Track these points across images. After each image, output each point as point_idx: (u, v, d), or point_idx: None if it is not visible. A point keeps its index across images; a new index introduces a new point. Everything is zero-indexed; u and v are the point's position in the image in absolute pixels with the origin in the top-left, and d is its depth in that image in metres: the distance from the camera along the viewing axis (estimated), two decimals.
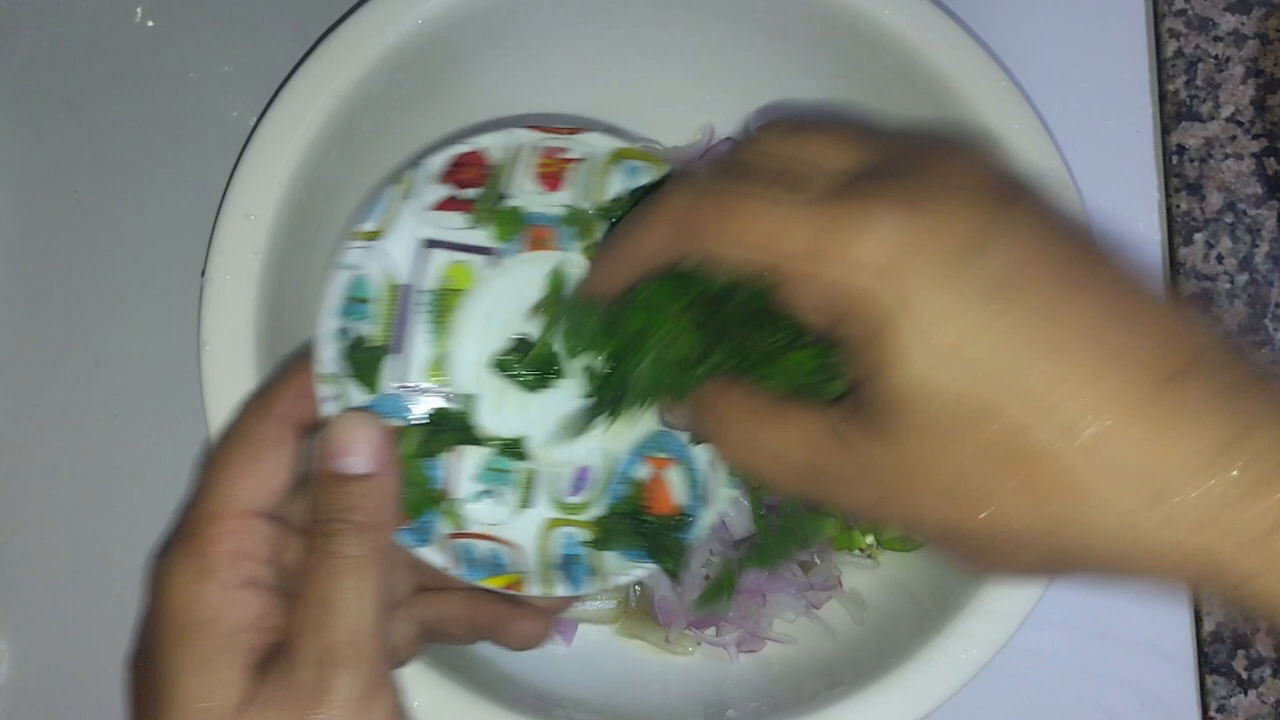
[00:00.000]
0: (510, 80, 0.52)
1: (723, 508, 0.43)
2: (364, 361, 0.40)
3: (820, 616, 0.51)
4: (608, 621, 0.51)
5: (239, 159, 0.46)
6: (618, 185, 0.43)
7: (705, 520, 0.42)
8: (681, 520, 0.42)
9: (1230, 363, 0.30)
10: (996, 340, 0.30)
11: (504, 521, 0.41)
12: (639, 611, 0.51)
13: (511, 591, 0.40)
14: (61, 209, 0.56)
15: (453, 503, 0.41)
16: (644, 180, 0.43)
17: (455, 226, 0.42)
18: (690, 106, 0.55)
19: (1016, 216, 0.31)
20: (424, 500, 0.40)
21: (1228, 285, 0.57)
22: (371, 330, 0.40)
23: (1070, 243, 0.31)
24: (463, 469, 0.41)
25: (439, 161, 0.42)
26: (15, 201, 0.57)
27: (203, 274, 0.45)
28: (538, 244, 0.42)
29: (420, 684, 0.43)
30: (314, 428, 0.38)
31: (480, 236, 0.42)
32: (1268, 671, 0.54)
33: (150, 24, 0.58)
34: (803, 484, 0.34)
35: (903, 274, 0.30)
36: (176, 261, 0.55)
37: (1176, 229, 0.57)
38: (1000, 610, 0.44)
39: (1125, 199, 0.57)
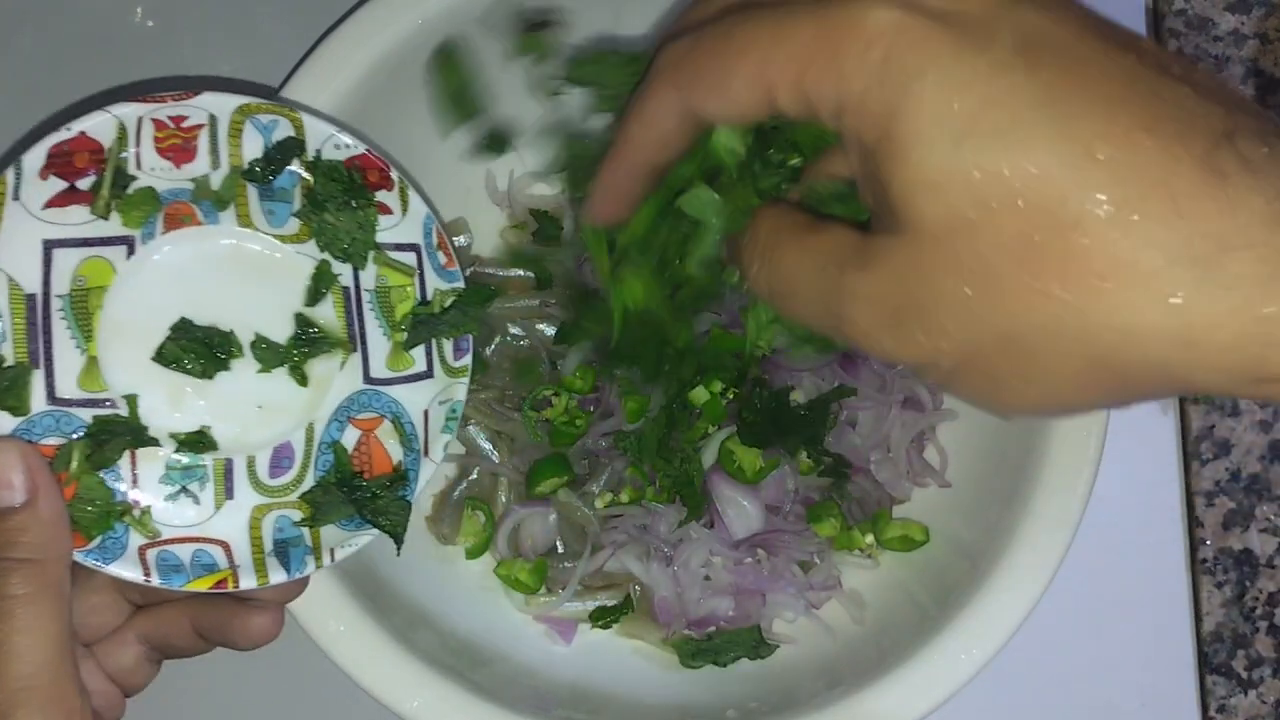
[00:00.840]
0: (511, 80, 0.52)
1: (441, 455, 0.41)
2: (3, 383, 0.37)
3: (820, 616, 0.51)
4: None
5: None
6: (254, 144, 0.41)
7: (425, 473, 0.41)
8: (400, 478, 0.41)
9: (1274, 127, 0.26)
10: (1013, 115, 0.26)
11: (204, 520, 0.39)
12: (639, 611, 0.51)
13: (222, 590, 0.38)
14: None
15: (142, 511, 0.39)
16: (281, 135, 0.41)
17: (79, 221, 0.39)
18: None
19: None
20: (108, 515, 0.38)
21: None
22: (4, 349, 0.38)
23: (1087, 16, 0.28)
24: (147, 474, 0.39)
25: (37, 155, 0.38)
26: None
27: None
28: (176, 222, 0.40)
29: (420, 684, 0.43)
30: None
31: (110, 227, 0.39)
32: (1268, 671, 0.54)
33: (150, 24, 0.58)
34: (820, 304, 0.31)
35: (904, 59, 0.27)
36: None
37: None
38: (1000, 610, 0.44)
39: None
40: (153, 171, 0.40)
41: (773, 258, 0.32)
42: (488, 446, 0.51)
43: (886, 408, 0.51)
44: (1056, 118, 0.26)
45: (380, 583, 0.48)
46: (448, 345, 0.43)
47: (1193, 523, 0.55)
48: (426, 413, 0.42)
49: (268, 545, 0.40)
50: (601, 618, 0.51)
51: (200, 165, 0.40)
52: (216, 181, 0.40)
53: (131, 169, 0.39)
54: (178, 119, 0.40)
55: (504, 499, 0.51)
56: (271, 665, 0.51)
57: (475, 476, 0.52)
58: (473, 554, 0.51)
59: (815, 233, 0.31)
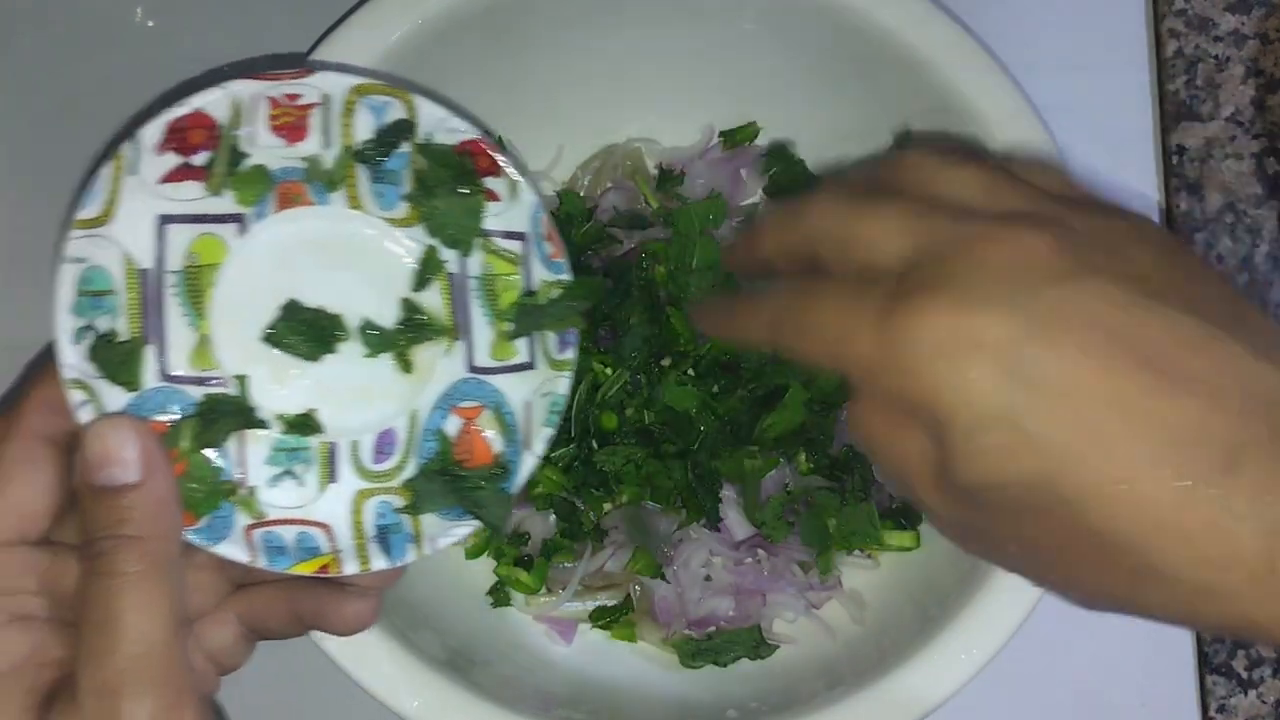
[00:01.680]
0: (509, 81, 0.52)
1: (542, 449, 0.41)
2: (116, 359, 0.37)
3: (820, 616, 0.51)
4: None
5: None
6: (366, 125, 0.40)
7: (526, 466, 0.41)
8: (501, 470, 0.40)
9: None
10: (1050, 433, 0.29)
11: (308, 502, 0.39)
12: (639, 611, 0.51)
13: (325, 575, 0.38)
14: (62, 209, 0.56)
15: (249, 491, 0.38)
16: (394, 117, 0.40)
17: (192, 197, 0.38)
18: (690, 107, 0.55)
19: (1063, 308, 0.29)
20: (215, 494, 0.38)
21: None
22: (118, 324, 0.37)
23: (1117, 335, 0.29)
24: (253, 454, 0.39)
25: (154, 130, 0.38)
26: (15, 201, 0.57)
27: None
28: (288, 201, 0.40)
29: (420, 684, 0.43)
30: (76, 439, 0.36)
31: (223, 204, 0.39)
32: (1268, 671, 0.54)
33: (150, 24, 0.58)
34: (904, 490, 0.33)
35: (951, 379, 0.29)
36: None
37: (1176, 229, 0.57)
38: (1000, 610, 0.44)
39: (1125, 199, 0.57)
40: (266, 149, 0.39)
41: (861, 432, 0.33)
42: None
43: None
44: (1082, 442, 0.29)
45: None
46: (551, 337, 0.42)
47: None
48: (529, 404, 0.41)
49: (369, 531, 0.39)
50: (601, 618, 0.51)
51: (312, 144, 0.40)
52: (328, 161, 0.40)
53: (244, 146, 0.39)
54: (292, 96, 0.40)
55: None
56: (271, 665, 0.51)
57: None
58: (472, 554, 0.51)
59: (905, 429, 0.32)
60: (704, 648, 0.50)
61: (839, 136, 0.54)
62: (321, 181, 0.40)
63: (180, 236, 0.38)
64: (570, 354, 0.42)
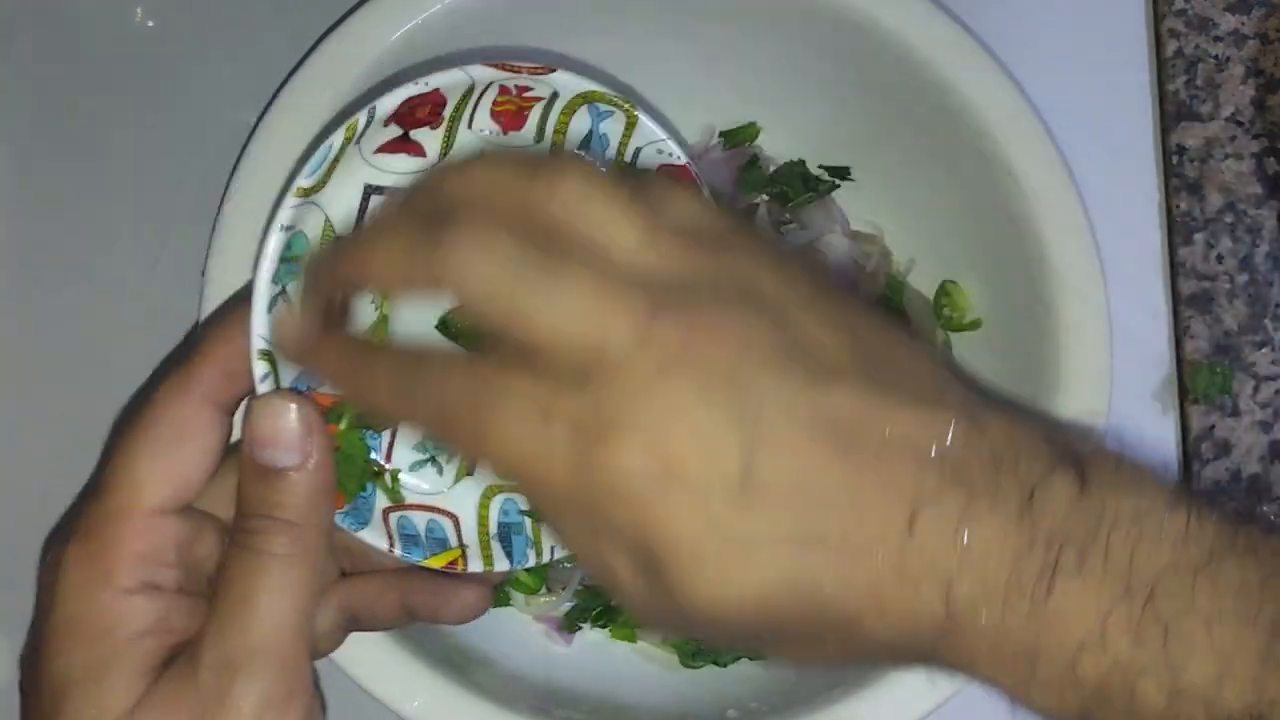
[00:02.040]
0: None
1: None
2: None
3: None
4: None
5: (239, 159, 0.46)
6: (582, 126, 0.40)
7: None
8: None
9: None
10: (765, 545, 0.29)
11: (443, 490, 0.39)
12: None
13: (451, 570, 0.38)
14: (62, 209, 0.56)
15: (392, 475, 0.38)
16: (612, 126, 0.40)
17: (403, 171, 0.38)
18: (690, 107, 0.55)
19: (762, 413, 0.28)
20: (362, 475, 0.37)
21: (1228, 285, 0.57)
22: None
23: (815, 428, 0.29)
24: (403, 436, 0.38)
25: (390, 103, 0.37)
26: (15, 201, 0.56)
27: (203, 274, 0.45)
28: None
29: (420, 684, 0.43)
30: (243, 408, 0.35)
31: None
32: None
33: (150, 24, 0.58)
34: None
35: (658, 515, 0.29)
36: (176, 261, 0.55)
37: (1176, 229, 0.57)
38: None
39: (1125, 199, 0.57)
40: (480, 132, 0.39)
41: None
42: None
43: None
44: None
45: None
46: None
47: None
48: None
49: (492, 528, 0.39)
50: (602, 618, 0.51)
51: (526, 135, 0.39)
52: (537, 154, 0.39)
53: (462, 128, 0.38)
54: (523, 89, 0.39)
55: None
56: None
57: None
58: None
59: None
60: (704, 648, 0.50)
61: (839, 137, 0.54)
62: None
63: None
64: None
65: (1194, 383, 0.55)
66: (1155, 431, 0.55)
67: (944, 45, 0.48)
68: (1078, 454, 0.30)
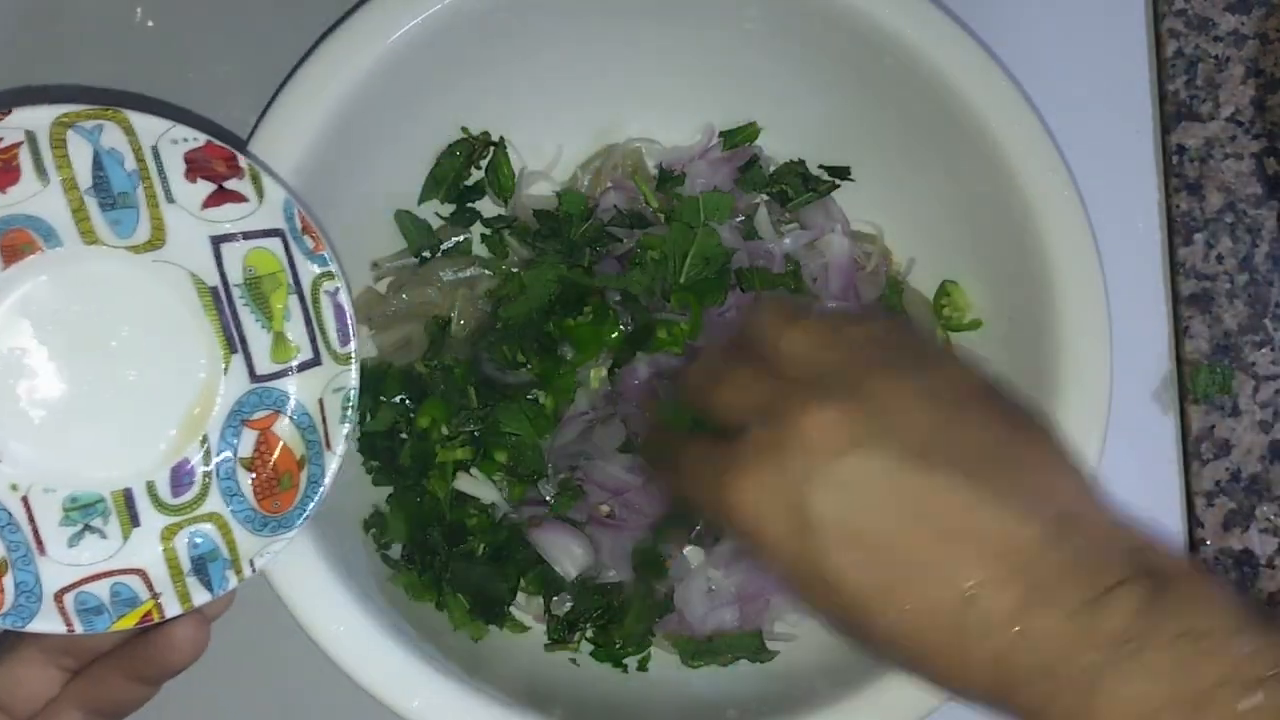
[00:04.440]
0: (509, 81, 0.52)
1: (342, 447, 0.41)
2: None
3: None
4: None
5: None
6: (82, 154, 0.38)
7: (330, 466, 0.41)
8: (307, 471, 0.41)
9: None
10: (839, 569, 0.35)
11: (115, 552, 0.38)
12: None
13: (148, 624, 0.38)
14: None
15: (48, 556, 0.38)
16: (109, 139, 0.39)
17: None
18: (690, 107, 0.55)
19: (847, 477, 0.35)
20: (12, 568, 0.37)
21: (1228, 285, 0.57)
22: None
23: (890, 497, 0.35)
24: (43, 517, 0.38)
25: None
26: None
27: None
28: (15, 254, 0.38)
29: (420, 684, 0.43)
30: None
31: None
32: None
33: (150, 24, 0.58)
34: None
35: (763, 529, 0.36)
36: None
37: (1176, 229, 0.57)
38: None
39: (1125, 199, 0.57)
40: None
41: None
42: None
43: None
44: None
45: (381, 583, 0.48)
46: (333, 330, 0.42)
47: (1193, 523, 0.55)
48: (321, 402, 0.41)
49: (185, 565, 0.39)
50: (602, 618, 0.50)
51: (28, 186, 0.38)
52: (50, 200, 0.38)
53: None
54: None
55: None
56: (272, 665, 0.51)
57: None
58: None
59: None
60: (705, 648, 0.50)
61: (839, 137, 0.54)
62: (47, 222, 0.38)
63: None
64: (353, 346, 0.42)
65: (1194, 383, 0.55)
66: (1155, 431, 0.55)
67: (944, 45, 0.48)
68: (1158, 566, 0.33)
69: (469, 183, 0.54)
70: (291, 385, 0.41)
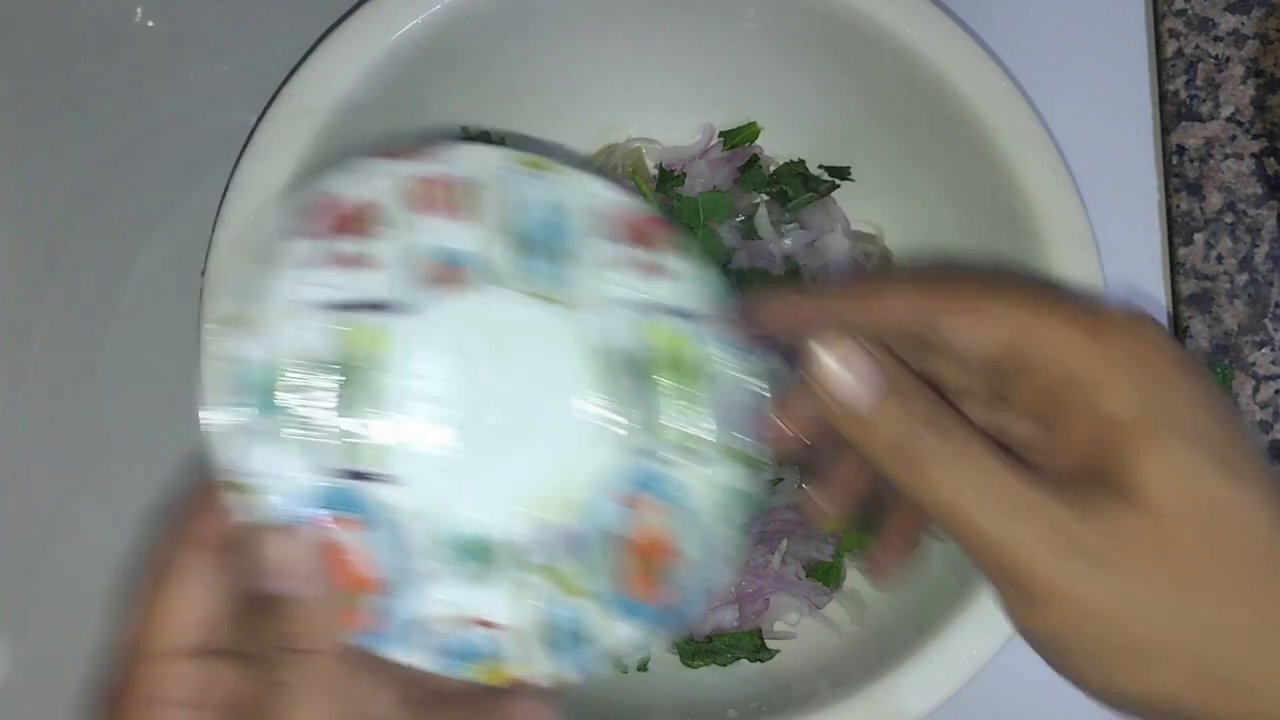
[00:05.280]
0: (510, 80, 0.52)
1: (737, 557, 0.38)
2: (282, 453, 0.35)
3: (823, 614, 0.51)
4: None
5: (239, 159, 0.46)
6: (521, 201, 0.38)
7: (719, 577, 0.38)
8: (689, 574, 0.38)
9: None
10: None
11: (489, 601, 0.36)
12: None
13: (506, 684, 0.36)
14: (61, 209, 0.56)
15: (426, 590, 0.36)
16: (549, 192, 0.38)
17: (345, 284, 0.36)
18: (690, 107, 0.55)
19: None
20: (383, 593, 0.36)
21: (1228, 285, 0.57)
22: (279, 419, 0.35)
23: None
24: (424, 549, 0.36)
25: (291, 215, 0.36)
26: (15, 201, 0.57)
27: (203, 274, 0.45)
28: (447, 283, 0.37)
29: None
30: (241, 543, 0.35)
31: (377, 287, 0.36)
32: None
33: (150, 24, 0.58)
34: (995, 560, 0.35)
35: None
36: (177, 261, 0.55)
37: (1176, 229, 0.57)
38: (999, 612, 0.44)
39: (1125, 199, 0.57)
40: (420, 229, 0.37)
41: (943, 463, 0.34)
42: None
43: None
44: None
45: None
46: (738, 427, 0.39)
47: None
48: (712, 498, 0.39)
49: (552, 635, 0.37)
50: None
51: (464, 223, 0.38)
52: (487, 242, 0.38)
53: (394, 227, 0.37)
54: (434, 177, 0.38)
55: None
56: None
57: None
58: None
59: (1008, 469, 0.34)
60: (705, 648, 0.50)
61: (839, 137, 0.54)
62: (482, 264, 0.37)
63: (336, 325, 0.36)
64: (752, 448, 0.39)
65: None
66: None
67: (944, 45, 0.48)
68: None
69: None
70: (685, 473, 0.38)
